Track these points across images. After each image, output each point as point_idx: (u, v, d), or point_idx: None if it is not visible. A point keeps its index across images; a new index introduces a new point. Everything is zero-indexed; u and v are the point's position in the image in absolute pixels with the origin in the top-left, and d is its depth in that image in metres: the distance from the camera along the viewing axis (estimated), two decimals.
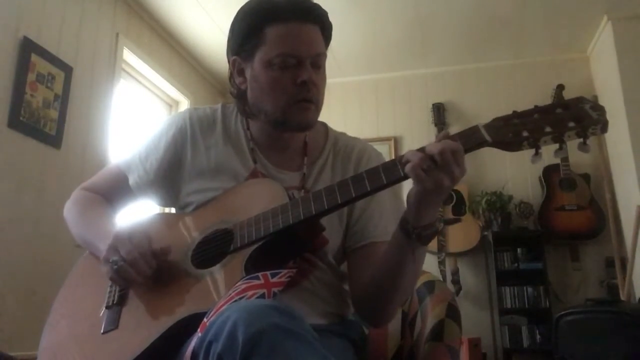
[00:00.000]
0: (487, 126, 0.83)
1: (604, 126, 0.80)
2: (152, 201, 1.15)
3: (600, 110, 0.80)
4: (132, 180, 1.13)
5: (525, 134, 0.81)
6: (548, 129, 0.80)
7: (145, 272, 0.93)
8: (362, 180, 0.87)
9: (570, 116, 0.80)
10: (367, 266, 1.02)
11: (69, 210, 1.14)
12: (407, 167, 0.81)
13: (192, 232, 1.01)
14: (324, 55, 1.04)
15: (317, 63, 1.02)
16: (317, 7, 1.03)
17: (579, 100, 0.82)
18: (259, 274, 0.85)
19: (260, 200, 0.96)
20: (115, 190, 1.15)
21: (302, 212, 0.89)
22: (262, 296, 0.82)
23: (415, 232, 0.86)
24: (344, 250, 1.09)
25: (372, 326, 1.16)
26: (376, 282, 0.96)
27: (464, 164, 0.81)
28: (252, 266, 0.88)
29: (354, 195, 0.87)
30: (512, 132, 0.81)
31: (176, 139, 1.10)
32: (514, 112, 0.83)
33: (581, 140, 0.81)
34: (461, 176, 0.80)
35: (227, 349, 0.65)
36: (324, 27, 1.04)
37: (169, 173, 1.10)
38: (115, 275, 0.93)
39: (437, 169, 0.79)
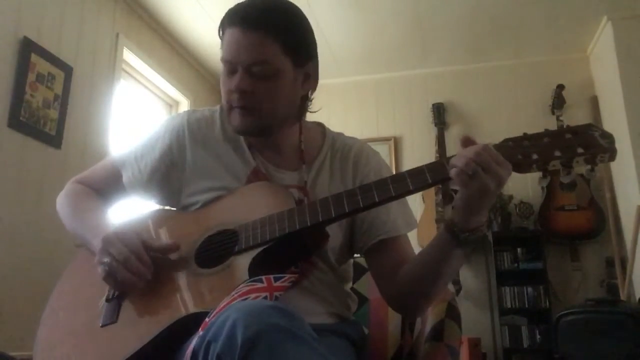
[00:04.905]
0: (498, 146, 0.84)
1: (612, 154, 0.80)
2: (148, 200, 1.14)
3: (609, 138, 0.80)
4: (125, 177, 1.12)
5: (534, 156, 0.82)
6: (557, 154, 0.81)
7: (140, 270, 0.90)
8: (370, 191, 0.89)
9: (580, 142, 0.81)
10: (385, 263, 1.03)
11: (62, 203, 1.13)
12: (452, 172, 0.81)
13: (196, 231, 1.01)
14: (265, 63, 0.97)
15: (252, 71, 0.97)
16: (265, 12, 0.98)
17: (588, 127, 0.83)
18: (263, 277, 0.85)
19: (266, 203, 0.96)
20: (108, 185, 1.14)
21: (309, 219, 0.90)
22: (265, 299, 0.82)
23: (462, 235, 0.86)
24: (346, 250, 1.09)
25: (409, 318, 1.21)
26: (416, 281, 0.97)
27: (508, 165, 0.81)
28: (256, 268, 0.88)
29: (361, 205, 0.89)
30: (521, 153, 0.82)
31: (173, 141, 1.10)
32: (525, 134, 0.85)
33: (589, 167, 0.81)
34: (507, 177, 0.80)
35: (226, 349, 0.65)
36: (275, 33, 0.97)
37: (166, 175, 1.09)
38: (108, 278, 0.91)
39: (481, 174, 0.79)
